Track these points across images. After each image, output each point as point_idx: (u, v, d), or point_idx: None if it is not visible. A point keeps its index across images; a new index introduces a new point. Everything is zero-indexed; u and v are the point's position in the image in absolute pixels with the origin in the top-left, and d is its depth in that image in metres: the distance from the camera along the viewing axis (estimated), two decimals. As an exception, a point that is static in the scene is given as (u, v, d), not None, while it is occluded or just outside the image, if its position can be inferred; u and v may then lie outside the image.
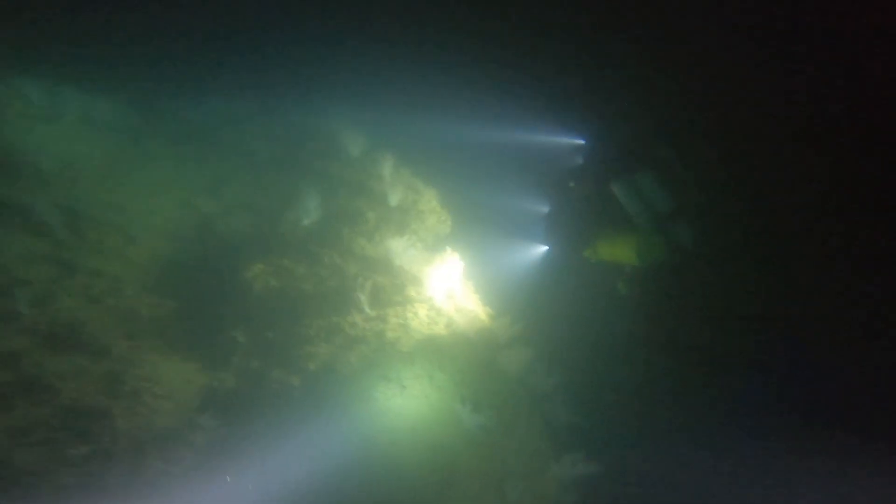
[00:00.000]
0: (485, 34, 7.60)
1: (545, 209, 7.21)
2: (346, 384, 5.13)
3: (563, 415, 6.05)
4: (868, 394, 5.79)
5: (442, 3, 7.37)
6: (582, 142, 6.74)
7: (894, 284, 5.77)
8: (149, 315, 4.70)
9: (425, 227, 6.60)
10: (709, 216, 5.87)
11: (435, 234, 6.72)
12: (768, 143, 6.50)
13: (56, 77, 6.66)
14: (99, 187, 5.42)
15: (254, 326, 5.05)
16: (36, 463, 3.33)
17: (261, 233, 5.89)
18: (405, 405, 5.27)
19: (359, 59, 7.89)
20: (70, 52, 6.91)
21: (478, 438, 5.10)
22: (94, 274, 4.59)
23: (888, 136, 5.69)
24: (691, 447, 5.78)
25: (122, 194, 5.50)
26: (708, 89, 6.75)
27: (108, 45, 7.15)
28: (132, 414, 3.99)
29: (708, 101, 6.73)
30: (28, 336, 3.74)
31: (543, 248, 7.37)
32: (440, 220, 6.83)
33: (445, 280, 6.16)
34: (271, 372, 4.95)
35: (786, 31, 6.10)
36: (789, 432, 5.90)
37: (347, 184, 6.61)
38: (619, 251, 5.95)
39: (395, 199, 6.59)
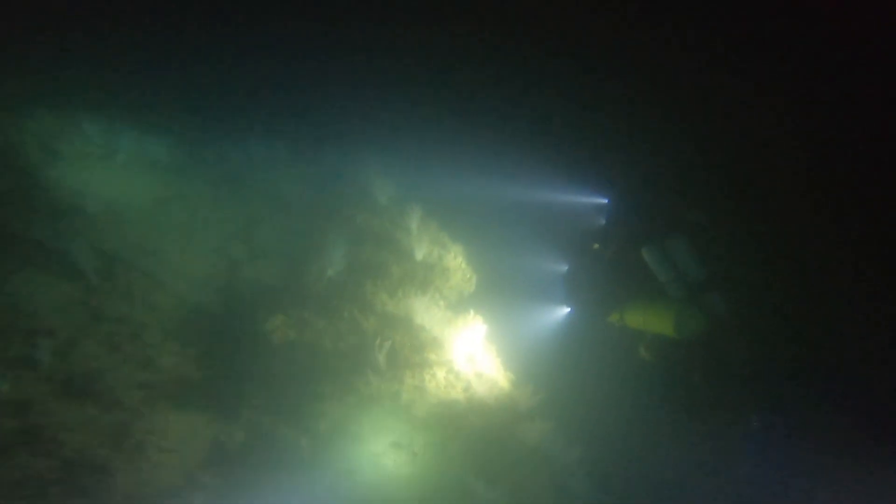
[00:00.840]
0: (513, 92, 7.75)
1: (566, 270, 7.03)
2: (356, 448, 4.91)
3: (586, 491, 5.62)
4: None
5: (474, 62, 7.58)
6: (605, 201, 6.59)
7: None
8: (166, 364, 4.65)
9: (449, 284, 6.46)
10: (743, 286, 5.62)
11: (459, 293, 6.57)
12: (810, 211, 6.24)
13: (114, 115, 7.03)
14: (135, 230, 5.53)
15: (268, 380, 4.93)
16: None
17: (285, 282, 5.88)
18: (416, 474, 4.99)
19: (393, 108, 8.15)
20: (128, 91, 7.31)
21: (491, 519, 4.76)
22: (119, 321, 4.59)
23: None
24: None
25: (156, 238, 5.59)
26: (743, 151, 6.64)
27: (163, 83, 7.56)
28: (134, 469, 3.87)
29: (743, 163, 6.61)
30: (43, 384, 3.72)
31: (565, 310, 7.10)
32: (465, 278, 6.69)
33: (466, 342, 5.96)
34: (280, 429, 4.79)
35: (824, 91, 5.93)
36: None
37: (374, 234, 6.59)
38: (652, 321, 5.68)
39: (420, 253, 6.51)
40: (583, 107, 7.59)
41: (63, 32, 7.01)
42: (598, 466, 5.87)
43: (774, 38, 6.10)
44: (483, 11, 6.98)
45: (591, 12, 6.82)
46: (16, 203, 4.85)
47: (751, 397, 5.65)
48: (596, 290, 6.32)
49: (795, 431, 5.52)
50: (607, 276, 6.11)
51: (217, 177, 6.71)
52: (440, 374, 5.63)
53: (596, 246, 6.31)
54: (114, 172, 6.10)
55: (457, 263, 6.71)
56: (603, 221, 6.46)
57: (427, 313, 6.02)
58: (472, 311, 5.97)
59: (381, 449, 4.89)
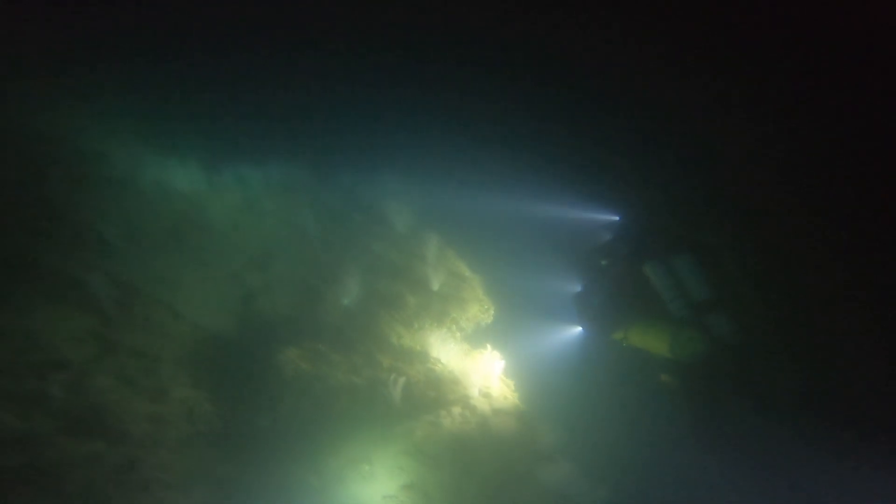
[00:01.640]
0: (526, 112, 7.73)
1: (577, 288, 6.92)
2: (368, 489, 4.71)
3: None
4: None
5: (490, 87, 7.61)
6: (617, 218, 6.55)
7: None
8: (177, 396, 4.55)
9: (466, 316, 6.31)
10: (751, 309, 5.47)
11: (476, 324, 6.40)
12: (822, 232, 5.89)
13: (137, 139, 7.14)
14: (154, 259, 5.52)
15: (279, 414, 4.80)
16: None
17: (300, 312, 5.79)
18: (429, 517, 4.75)
19: (410, 130, 8.18)
20: (150, 114, 7.46)
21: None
22: (134, 353, 4.53)
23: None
24: None
25: (174, 266, 5.58)
26: (756, 170, 6.32)
27: (184, 106, 7.69)
28: (139, 509, 3.75)
29: (756, 182, 6.28)
30: (53, 419, 3.64)
31: (577, 330, 6.96)
32: (483, 308, 6.52)
33: (483, 377, 5.76)
34: (290, 466, 4.62)
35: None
36: None
37: (390, 264, 6.50)
38: (651, 340, 5.60)
39: (437, 283, 6.39)
40: (597, 125, 7.47)
41: (87, 60, 7.21)
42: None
43: (785, 55, 5.95)
44: (497, 39, 7.06)
45: (604, 35, 6.82)
46: (38, 232, 4.88)
47: (759, 421, 5.50)
48: (603, 307, 6.20)
49: (811, 455, 5.26)
50: (613, 294, 6.03)
51: (235, 203, 6.74)
52: (456, 410, 5.42)
53: (604, 262, 6.22)
54: (135, 199, 6.16)
55: (474, 294, 6.56)
56: (614, 238, 6.39)
57: (443, 346, 5.87)
58: (489, 346, 5.79)
59: (395, 490, 4.69)
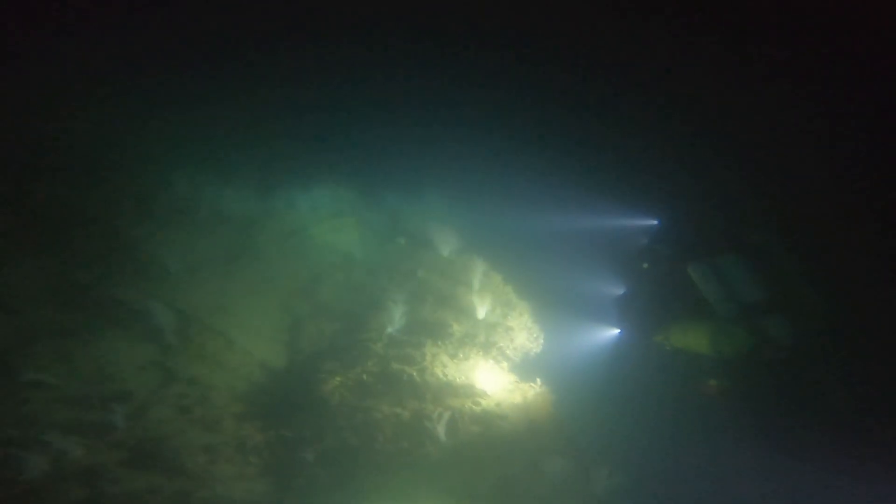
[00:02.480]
0: (566, 122, 7.62)
1: (618, 290, 6.84)
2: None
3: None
4: None
5: (531, 102, 7.53)
6: (655, 222, 6.53)
7: None
8: (229, 426, 4.69)
9: (514, 345, 6.13)
10: (809, 311, 5.28)
11: (524, 354, 6.21)
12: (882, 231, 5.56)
13: (197, 166, 7.50)
14: (210, 287, 5.74)
15: (324, 448, 4.84)
16: None
17: (345, 340, 5.84)
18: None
19: (454, 149, 8.19)
20: (211, 142, 7.82)
21: None
22: (191, 382, 4.72)
23: None
24: None
25: (229, 294, 5.77)
26: (812, 161, 6.05)
27: (242, 131, 8.02)
28: (192, 542, 3.87)
29: (811, 177, 6.00)
30: (115, 451, 3.84)
31: (615, 332, 6.90)
32: (531, 337, 6.32)
33: (531, 411, 5.56)
34: (336, 501, 4.65)
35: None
36: None
37: (435, 290, 6.44)
38: (693, 339, 5.52)
39: (483, 310, 6.26)
40: (631, 129, 7.43)
41: (154, 88, 7.63)
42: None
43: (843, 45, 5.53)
44: (535, 59, 7.01)
45: (640, 38, 6.61)
46: (108, 263, 5.19)
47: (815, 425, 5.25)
48: (645, 310, 6.14)
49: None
50: (655, 297, 5.97)
51: (284, 228, 6.91)
52: (500, 446, 5.27)
53: (645, 265, 6.13)
54: (195, 228, 6.44)
55: (522, 322, 6.38)
56: (654, 241, 6.33)
57: (489, 376, 5.72)
58: (539, 381, 5.60)
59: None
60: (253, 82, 7.53)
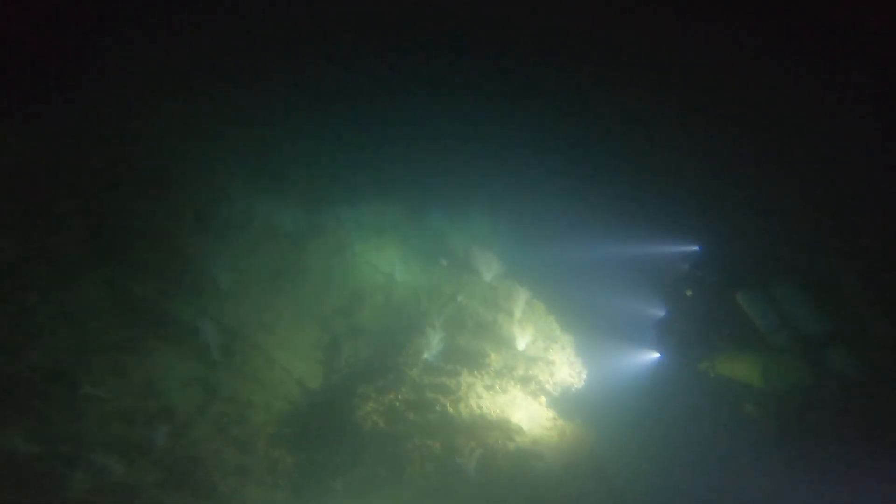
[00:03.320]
0: (604, 145, 7.37)
1: (658, 314, 6.66)
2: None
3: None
4: None
5: (577, 127, 7.41)
6: (696, 248, 6.39)
7: None
8: (262, 447, 4.76)
9: (554, 380, 5.86)
10: (878, 343, 5.00)
11: (565, 390, 5.92)
12: None
13: (253, 181, 7.77)
14: (257, 303, 5.87)
15: (353, 477, 4.81)
16: None
17: (381, 363, 5.81)
18: None
19: (504, 172, 8.08)
20: (262, 156, 8.08)
21: None
22: (230, 400, 4.83)
23: None
24: None
25: (273, 311, 5.88)
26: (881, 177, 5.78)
27: (294, 146, 8.24)
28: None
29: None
30: (154, 470, 3.97)
31: (655, 356, 6.72)
32: (573, 372, 6.03)
33: (568, 452, 5.28)
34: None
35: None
36: None
37: (475, 317, 6.28)
38: (741, 369, 5.28)
39: (523, 342, 6.04)
40: (672, 157, 7.28)
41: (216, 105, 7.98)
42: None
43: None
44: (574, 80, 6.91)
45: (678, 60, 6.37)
46: (166, 278, 5.41)
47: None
48: (688, 336, 5.94)
49: None
50: (699, 323, 5.80)
51: (330, 245, 6.97)
52: (536, 487, 5.03)
53: (689, 293, 5.96)
54: (246, 243, 6.63)
55: (564, 356, 6.09)
56: (695, 267, 6.15)
57: (526, 412, 5.49)
58: (579, 421, 5.31)
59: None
60: (307, 100, 7.72)
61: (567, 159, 7.47)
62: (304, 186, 7.82)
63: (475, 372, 5.74)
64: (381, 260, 6.87)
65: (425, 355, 5.84)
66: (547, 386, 5.81)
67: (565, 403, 5.85)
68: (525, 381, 5.76)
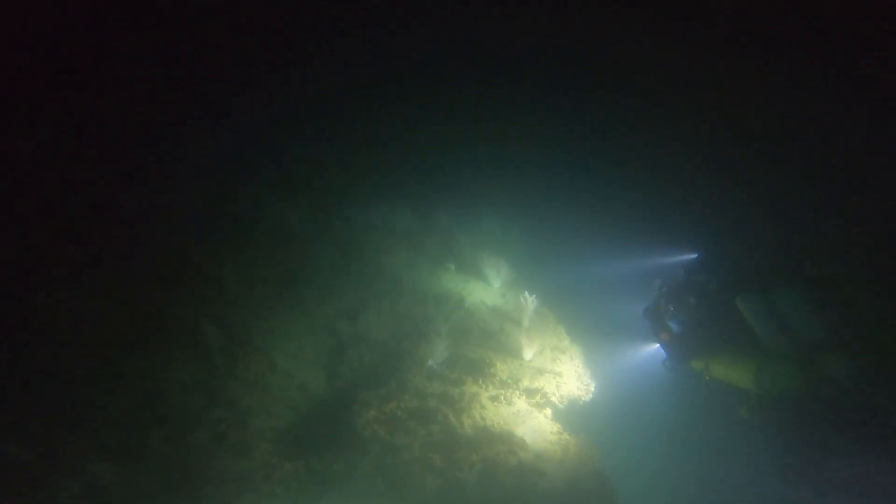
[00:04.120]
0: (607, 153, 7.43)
1: (662, 322, 6.62)
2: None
3: None
4: None
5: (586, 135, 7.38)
6: (695, 255, 6.47)
7: None
8: (260, 453, 4.71)
9: (561, 392, 5.70)
10: (878, 350, 4.94)
11: (572, 402, 5.76)
12: None
13: (260, 179, 7.71)
14: (262, 306, 5.80)
15: (352, 490, 4.73)
16: None
17: (384, 370, 5.72)
18: None
19: (516, 175, 7.98)
20: (274, 154, 8.01)
21: None
22: (230, 405, 4.79)
23: None
24: None
25: (278, 314, 5.82)
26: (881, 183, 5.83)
27: (303, 144, 8.15)
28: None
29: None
30: (145, 477, 3.94)
31: (660, 360, 6.65)
32: (581, 384, 5.86)
33: (572, 468, 5.13)
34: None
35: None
36: None
37: (481, 324, 6.15)
38: (736, 373, 5.31)
39: (530, 352, 5.89)
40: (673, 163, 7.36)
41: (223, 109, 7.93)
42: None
43: None
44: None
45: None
46: (171, 281, 5.38)
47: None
48: (685, 337, 5.98)
49: None
50: (699, 327, 5.86)
51: (337, 245, 6.89)
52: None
53: (692, 300, 5.98)
54: (255, 244, 6.58)
55: (573, 367, 5.93)
56: (692, 273, 6.18)
57: (530, 425, 5.35)
58: (586, 438, 5.15)
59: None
60: (318, 100, 7.64)
61: (575, 164, 7.40)
62: (314, 186, 7.75)
63: (480, 381, 5.61)
64: (389, 263, 6.77)
65: (430, 362, 5.73)
66: (553, 398, 5.65)
67: (571, 416, 5.70)
68: (531, 392, 5.62)
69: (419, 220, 7.58)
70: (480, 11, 6.89)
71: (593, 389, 5.90)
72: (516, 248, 7.00)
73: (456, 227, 7.47)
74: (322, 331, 5.96)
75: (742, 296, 5.21)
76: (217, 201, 6.72)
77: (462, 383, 5.55)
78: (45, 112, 5.56)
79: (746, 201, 6.79)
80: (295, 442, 4.93)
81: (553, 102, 7.20)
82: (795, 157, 6.65)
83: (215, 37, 6.40)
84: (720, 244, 6.31)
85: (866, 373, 4.86)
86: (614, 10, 5.99)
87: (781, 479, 5.22)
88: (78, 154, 5.65)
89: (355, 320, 6.13)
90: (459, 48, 6.63)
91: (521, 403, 5.55)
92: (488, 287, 6.55)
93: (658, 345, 6.52)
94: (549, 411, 5.63)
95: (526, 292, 6.23)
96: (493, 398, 5.52)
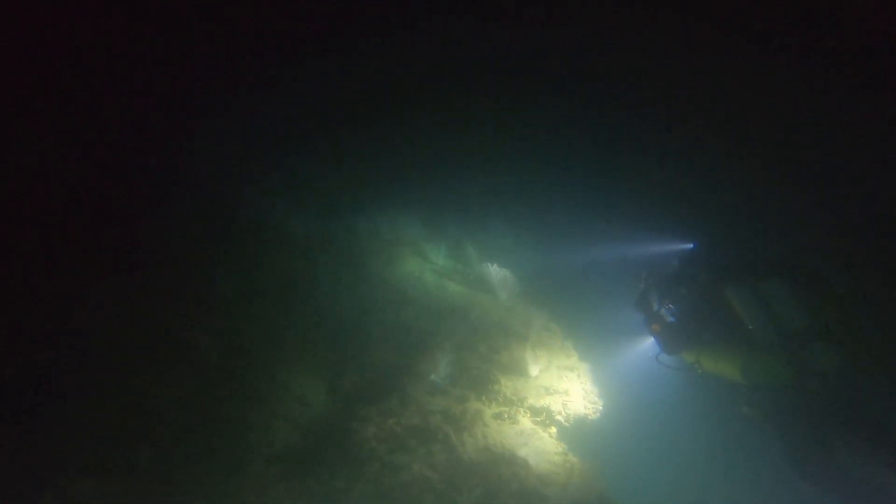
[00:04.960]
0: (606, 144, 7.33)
1: (657, 312, 6.52)
2: None
3: None
4: None
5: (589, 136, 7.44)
6: (691, 246, 6.35)
7: None
8: (256, 471, 4.60)
9: (567, 411, 5.49)
10: (861, 340, 4.99)
11: (577, 421, 5.55)
12: None
13: (266, 182, 7.63)
14: (262, 316, 5.71)
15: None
16: None
17: (385, 383, 5.57)
18: None
19: (528, 182, 7.82)
20: (282, 156, 7.94)
21: None
22: (225, 420, 4.66)
23: None
24: None
25: (278, 325, 5.72)
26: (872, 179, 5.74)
27: (311, 150, 8.06)
28: None
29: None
30: (132, 493, 3.86)
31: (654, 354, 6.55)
32: (589, 403, 5.64)
33: (576, 494, 4.92)
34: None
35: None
36: None
37: (486, 338, 5.97)
38: (724, 366, 5.30)
39: (536, 368, 5.69)
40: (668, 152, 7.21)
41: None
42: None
43: None
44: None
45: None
46: (162, 292, 5.31)
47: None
48: (675, 329, 5.90)
49: None
50: (687, 317, 5.80)
51: (342, 255, 6.79)
52: (541, 530, 4.70)
53: (683, 291, 5.93)
54: (257, 251, 6.51)
55: (581, 385, 5.71)
56: (685, 264, 6.12)
57: (533, 445, 5.16)
58: (589, 458, 4.94)
59: None
60: (325, 103, 7.56)
61: (581, 160, 7.28)
62: (319, 190, 7.65)
63: (483, 398, 5.44)
64: (394, 273, 6.65)
65: (432, 377, 5.58)
66: (558, 417, 5.45)
67: (576, 435, 5.49)
68: (536, 410, 5.42)
69: (425, 229, 7.44)
70: (493, 17, 6.74)
71: (601, 408, 5.68)
72: (527, 259, 6.81)
73: (464, 237, 7.31)
74: (323, 342, 5.85)
75: (732, 286, 5.21)
76: (218, 208, 6.64)
77: (465, 400, 5.38)
78: (47, 116, 5.55)
79: (744, 193, 6.77)
80: (290, 458, 4.82)
81: (561, 103, 7.08)
82: (791, 150, 6.61)
83: (223, 38, 6.37)
84: (716, 235, 6.27)
85: (853, 365, 4.92)
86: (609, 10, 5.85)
87: (798, 475, 5.14)
88: (77, 160, 5.63)
89: (358, 332, 6.01)
90: (473, 53, 6.51)
91: (525, 422, 5.36)
92: (495, 300, 6.38)
93: (652, 338, 6.45)
94: (554, 430, 5.43)
95: (534, 306, 6.05)
96: (497, 416, 5.34)
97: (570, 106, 7.04)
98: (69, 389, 4.05)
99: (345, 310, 6.17)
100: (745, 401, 5.42)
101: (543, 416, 5.42)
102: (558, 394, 5.55)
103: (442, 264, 6.91)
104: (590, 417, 5.64)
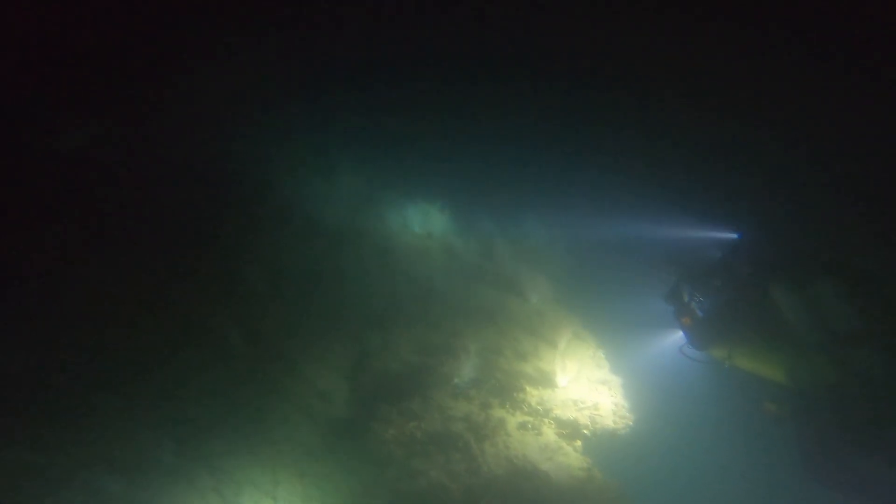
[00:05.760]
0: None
1: (688, 305, 6.27)
2: None
3: None
4: None
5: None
6: (736, 237, 6.03)
7: None
8: (273, 464, 4.65)
9: (595, 426, 5.27)
10: None
11: (604, 435, 5.33)
12: None
13: (301, 166, 7.54)
14: (288, 307, 5.67)
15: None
16: None
17: (408, 384, 5.49)
18: None
19: (563, 176, 7.44)
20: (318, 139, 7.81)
21: None
22: (249, 410, 4.72)
23: None
24: None
25: (304, 317, 5.67)
26: None
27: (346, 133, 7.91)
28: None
29: None
30: (162, 480, 3.94)
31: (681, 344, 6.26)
32: (618, 417, 5.39)
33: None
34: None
35: None
36: None
37: (514, 343, 5.77)
38: (765, 365, 5.21)
39: (565, 379, 5.47)
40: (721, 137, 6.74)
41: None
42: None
43: None
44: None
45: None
46: (195, 281, 5.34)
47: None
48: (709, 323, 5.67)
49: None
50: (723, 313, 5.55)
51: (371, 247, 6.67)
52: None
53: (718, 283, 5.72)
54: (287, 240, 6.46)
55: (612, 398, 5.46)
56: (730, 256, 5.83)
57: (557, 461, 4.98)
58: (612, 476, 4.73)
59: None
60: (364, 92, 7.37)
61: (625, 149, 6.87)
62: (353, 178, 7.51)
63: (507, 406, 5.29)
64: (423, 267, 6.49)
65: (456, 380, 5.46)
66: (585, 431, 5.25)
67: (602, 449, 5.28)
68: (562, 423, 5.23)
69: (457, 224, 7.21)
70: (531, 11, 6.33)
71: (631, 423, 5.43)
72: (563, 257, 6.49)
73: (496, 233, 7.05)
74: (348, 337, 5.80)
75: (777, 284, 4.99)
76: (249, 196, 6.58)
77: (489, 407, 5.25)
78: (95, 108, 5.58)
79: (796, 188, 6.41)
80: (307, 453, 4.83)
81: (605, 91, 6.71)
82: (849, 149, 6.05)
83: (266, 28, 6.25)
84: (764, 228, 5.98)
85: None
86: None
87: (813, 476, 5.04)
88: (115, 149, 5.67)
89: (383, 328, 5.93)
90: (508, 44, 6.14)
91: (550, 434, 5.19)
92: (525, 303, 6.15)
93: (680, 331, 6.21)
94: (579, 443, 5.24)
95: (566, 312, 5.80)
96: (522, 426, 5.18)
97: (615, 95, 6.61)
98: (93, 386, 4.13)
99: (372, 304, 6.09)
100: (771, 398, 5.24)
101: (569, 429, 5.23)
102: (587, 408, 5.33)
103: (471, 261, 6.69)
104: (619, 433, 5.41)
